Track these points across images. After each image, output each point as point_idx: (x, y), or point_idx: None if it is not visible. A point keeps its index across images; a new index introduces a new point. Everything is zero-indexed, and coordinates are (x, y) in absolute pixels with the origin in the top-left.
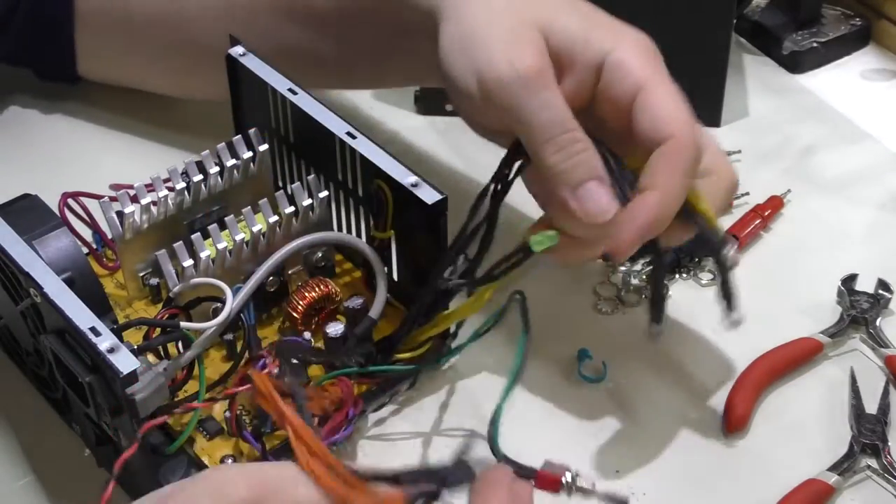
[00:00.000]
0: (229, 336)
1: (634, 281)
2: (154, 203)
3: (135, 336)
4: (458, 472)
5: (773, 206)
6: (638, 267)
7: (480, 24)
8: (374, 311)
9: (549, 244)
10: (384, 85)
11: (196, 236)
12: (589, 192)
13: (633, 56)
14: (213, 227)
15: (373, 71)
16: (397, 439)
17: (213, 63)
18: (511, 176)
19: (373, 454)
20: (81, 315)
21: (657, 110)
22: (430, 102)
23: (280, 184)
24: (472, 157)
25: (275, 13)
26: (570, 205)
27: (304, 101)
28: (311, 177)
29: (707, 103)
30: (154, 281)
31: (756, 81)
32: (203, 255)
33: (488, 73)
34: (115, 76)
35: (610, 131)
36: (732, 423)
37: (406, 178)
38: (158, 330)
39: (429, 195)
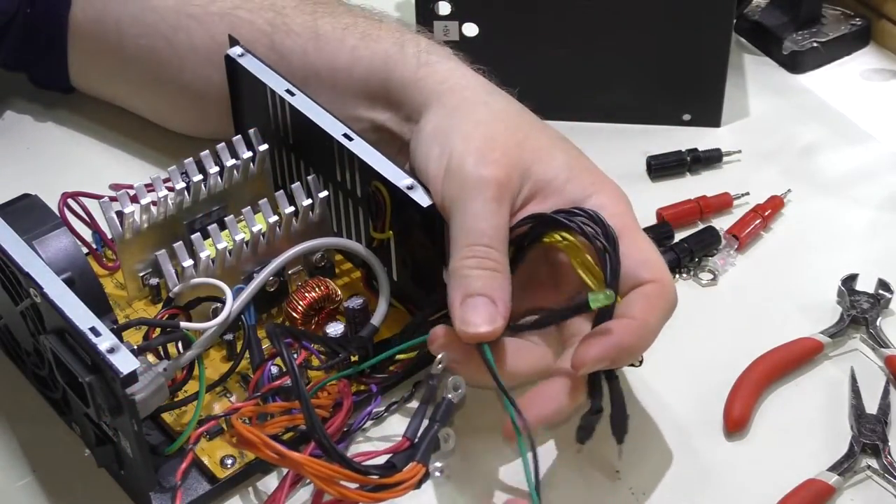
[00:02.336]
0: (229, 336)
1: None
2: (154, 203)
3: (135, 336)
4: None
5: (773, 206)
6: None
7: (470, 120)
8: (377, 319)
9: (606, 303)
10: None
11: (196, 236)
12: (475, 304)
13: (612, 203)
14: (213, 227)
15: None
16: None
17: (193, 105)
18: None
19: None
20: (81, 315)
21: (639, 255)
22: None
23: (280, 184)
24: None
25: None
26: (454, 309)
27: (302, 103)
28: (310, 177)
29: (707, 103)
30: (154, 281)
31: (756, 81)
32: (203, 255)
33: (455, 158)
34: (103, 96)
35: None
36: (732, 423)
37: (401, 180)
38: (158, 330)
39: (424, 198)
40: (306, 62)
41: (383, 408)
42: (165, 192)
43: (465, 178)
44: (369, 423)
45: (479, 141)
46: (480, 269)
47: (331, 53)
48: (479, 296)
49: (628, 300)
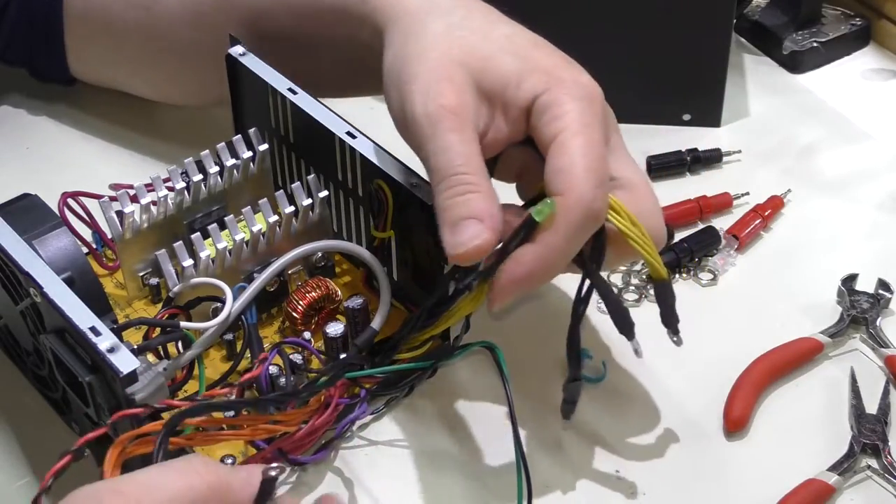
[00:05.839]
0: (229, 336)
1: (635, 281)
2: (154, 203)
3: (135, 336)
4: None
5: (773, 206)
6: (638, 266)
7: (412, 57)
8: (377, 322)
9: (549, 212)
10: (348, 95)
11: (196, 236)
12: (460, 227)
13: (562, 101)
14: (213, 227)
15: (335, 84)
16: (396, 441)
17: (189, 71)
18: None
19: (372, 454)
20: (81, 315)
21: (560, 163)
22: None
23: (280, 184)
24: None
25: (236, 27)
26: (445, 238)
27: (304, 101)
28: (311, 177)
29: (707, 103)
30: (154, 281)
31: (756, 81)
32: (203, 254)
33: (406, 108)
34: (104, 81)
35: None
36: (732, 423)
37: (406, 177)
38: (158, 330)
39: (429, 195)
40: (288, 23)
41: (368, 418)
42: (165, 191)
43: (417, 122)
44: (368, 417)
45: (423, 76)
46: (457, 197)
47: None
48: (462, 220)
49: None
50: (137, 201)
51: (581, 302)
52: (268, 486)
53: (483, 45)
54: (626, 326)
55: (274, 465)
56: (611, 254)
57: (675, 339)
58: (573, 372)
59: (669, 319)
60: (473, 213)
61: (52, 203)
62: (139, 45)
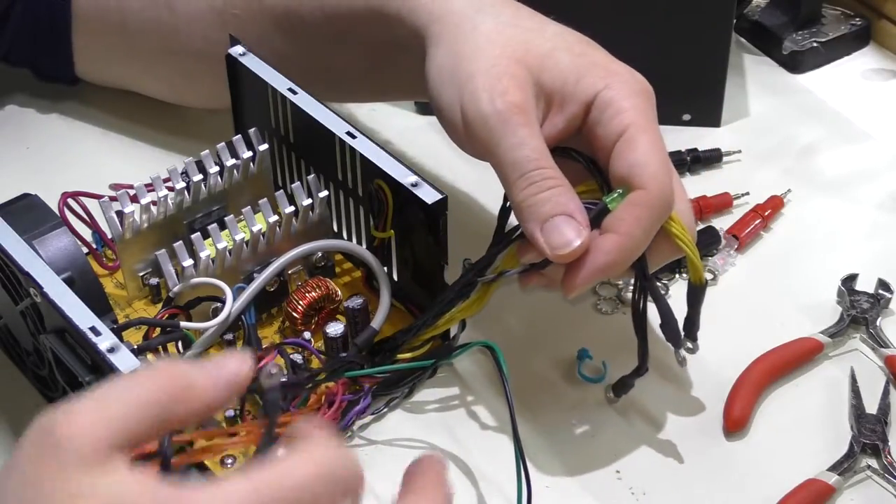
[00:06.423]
0: (229, 336)
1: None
2: (154, 203)
3: (135, 336)
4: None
5: (773, 206)
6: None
7: (466, 55)
8: (377, 322)
9: (620, 200)
10: (375, 99)
11: (196, 236)
12: (555, 225)
13: (623, 96)
14: (213, 227)
15: (363, 85)
16: (396, 441)
17: (208, 72)
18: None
19: (372, 454)
20: (81, 315)
21: (635, 157)
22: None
23: (280, 184)
24: (472, 157)
25: (265, 25)
26: (537, 238)
27: (304, 101)
28: (311, 177)
29: (707, 103)
30: (154, 281)
31: (756, 81)
32: (203, 254)
33: (470, 106)
34: (112, 80)
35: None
36: (732, 423)
37: (406, 177)
38: (158, 330)
39: (429, 195)
40: (318, 21)
41: (368, 418)
42: (165, 191)
43: (485, 120)
44: (369, 417)
45: (484, 73)
46: (543, 192)
47: None
48: (554, 217)
49: (617, 210)
50: (137, 201)
51: (639, 295)
52: (272, 396)
53: (538, 42)
54: (674, 334)
55: (270, 363)
56: (654, 255)
57: (690, 346)
58: (642, 365)
59: (691, 325)
60: (563, 209)
61: (52, 203)
62: (155, 43)
